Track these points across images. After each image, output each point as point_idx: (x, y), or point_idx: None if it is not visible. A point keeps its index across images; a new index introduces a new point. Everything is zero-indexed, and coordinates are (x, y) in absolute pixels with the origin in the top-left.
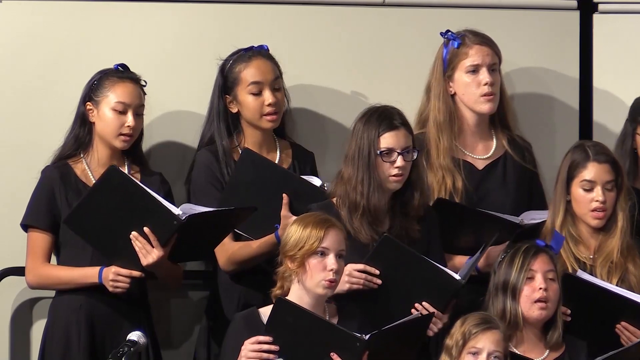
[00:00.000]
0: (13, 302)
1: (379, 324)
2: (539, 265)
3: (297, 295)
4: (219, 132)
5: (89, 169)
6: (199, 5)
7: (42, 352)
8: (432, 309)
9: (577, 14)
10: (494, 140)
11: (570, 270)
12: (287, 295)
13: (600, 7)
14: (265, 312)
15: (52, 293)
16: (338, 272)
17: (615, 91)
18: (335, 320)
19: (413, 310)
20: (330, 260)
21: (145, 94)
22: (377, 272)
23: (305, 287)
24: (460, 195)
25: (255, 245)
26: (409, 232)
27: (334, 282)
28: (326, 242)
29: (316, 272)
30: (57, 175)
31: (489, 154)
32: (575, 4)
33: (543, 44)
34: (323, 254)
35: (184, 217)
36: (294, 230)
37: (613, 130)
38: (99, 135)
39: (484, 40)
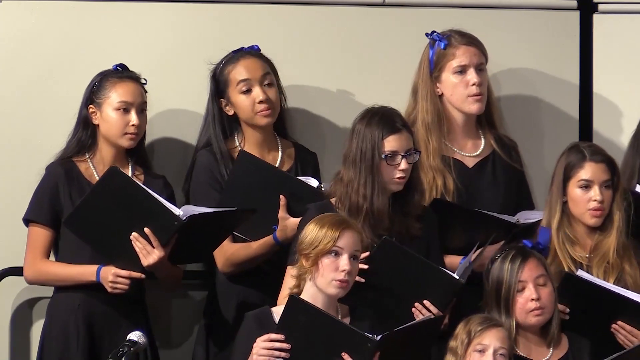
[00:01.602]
0: (13, 302)
1: (383, 325)
2: (528, 273)
3: (310, 293)
4: (215, 136)
5: (94, 168)
6: (199, 5)
7: (40, 351)
8: (432, 308)
9: (577, 14)
10: (482, 139)
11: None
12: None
13: (600, 7)
14: (277, 311)
15: (53, 293)
16: (350, 273)
17: (615, 91)
18: (347, 321)
19: (414, 309)
20: (343, 261)
21: (146, 92)
22: (365, 267)
23: (317, 286)
24: (452, 195)
25: (253, 247)
26: (410, 229)
27: (345, 283)
28: (341, 242)
29: (328, 272)
30: (62, 172)
31: (478, 152)
32: (575, 4)
33: (542, 44)
34: (337, 254)
35: (184, 218)
36: (310, 229)
37: (613, 131)
38: (103, 137)
39: (471, 41)
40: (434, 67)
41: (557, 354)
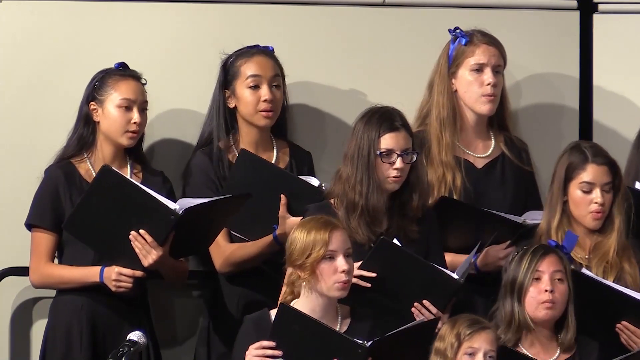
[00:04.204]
0: (13, 302)
1: (381, 325)
2: (546, 266)
3: (308, 300)
4: (217, 127)
5: (93, 168)
6: (200, 5)
7: (43, 352)
8: (432, 308)
9: (577, 14)
10: (492, 140)
11: None
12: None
13: (600, 7)
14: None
15: (53, 293)
16: (349, 272)
17: (615, 91)
18: (347, 322)
19: (413, 309)
20: (340, 262)
21: (146, 92)
22: (373, 275)
23: (319, 292)
24: (459, 193)
25: (253, 246)
26: (407, 232)
27: (347, 283)
28: (332, 244)
29: (328, 276)
30: (61, 174)
31: (488, 153)
32: (575, 4)
33: (543, 44)
34: (332, 257)
35: (181, 211)
36: (297, 237)
37: (613, 130)
38: (103, 134)
39: (492, 41)
40: (452, 63)
41: (564, 355)
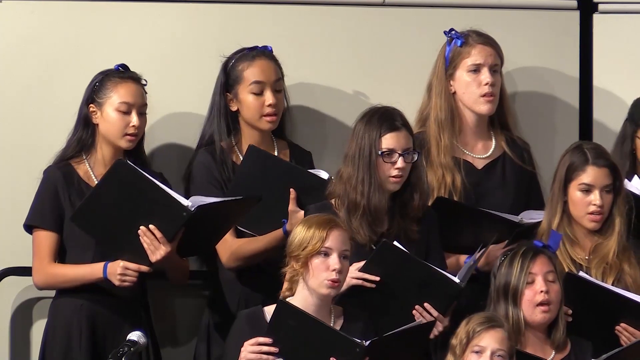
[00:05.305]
0: (13, 302)
1: (381, 327)
2: (539, 267)
3: (302, 296)
4: (218, 130)
5: (92, 170)
6: (200, 5)
7: (42, 353)
8: (433, 311)
9: (577, 14)
10: (493, 140)
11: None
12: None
13: (600, 7)
14: (270, 310)
15: (53, 293)
16: (341, 272)
17: (615, 91)
18: (340, 322)
19: (414, 312)
20: (333, 260)
21: (146, 92)
22: (377, 278)
23: (309, 288)
24: (459, 194)
25: (261, 241)
26: (408, 232)
27: (337, 282)
28: (329, 242)
29: (319, 272)
30: (60, 175)
31: (488, 154)
32: (575, 4)
33: (543, 44)
34: (326, 254)
35: (193, 208)
36: (298, 231)
37: (613, 130)
38: (102, 136)
39: (488, 41)
40: (449, 64)
41: (559, 356)
